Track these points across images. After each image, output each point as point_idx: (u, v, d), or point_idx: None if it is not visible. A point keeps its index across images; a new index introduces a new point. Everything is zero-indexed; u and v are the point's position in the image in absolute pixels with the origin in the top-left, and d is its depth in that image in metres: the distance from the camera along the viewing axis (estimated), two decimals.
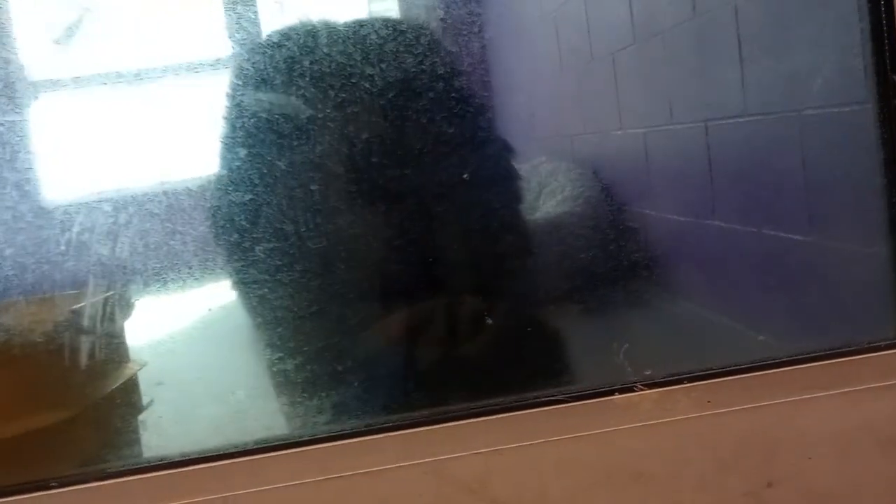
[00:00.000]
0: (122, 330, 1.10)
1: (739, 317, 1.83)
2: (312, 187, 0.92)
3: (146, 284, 1.11)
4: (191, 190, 1.14)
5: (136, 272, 1.10)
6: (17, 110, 1.16)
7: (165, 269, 1.10)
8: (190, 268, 1.10)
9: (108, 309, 1.02)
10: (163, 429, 1.06)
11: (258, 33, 3.80)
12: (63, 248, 1.04)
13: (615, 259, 2.45)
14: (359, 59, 1.01)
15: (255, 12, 3.89)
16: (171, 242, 1.07)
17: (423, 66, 1.04)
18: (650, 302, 2.22)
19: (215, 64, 4.07)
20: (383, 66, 1.01)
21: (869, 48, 1.24)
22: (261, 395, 1.04)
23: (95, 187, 1.26)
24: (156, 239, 1.07)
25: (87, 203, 1.13)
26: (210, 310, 1.32)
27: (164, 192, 1.12)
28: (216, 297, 1.27)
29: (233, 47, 3.66)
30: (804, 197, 1.53)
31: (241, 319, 1.05)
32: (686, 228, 2.10)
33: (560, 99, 3.10)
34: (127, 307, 1.10)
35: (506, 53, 3.69)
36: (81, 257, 1.05)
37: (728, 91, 1.74)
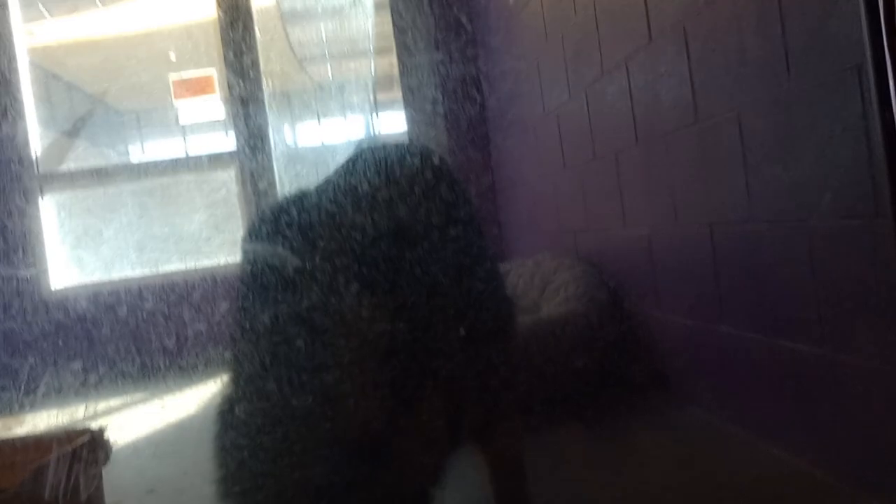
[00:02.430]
0: (95, 478, 1.04)
1: (748, 427, 1.76)
2: (297, 341, 0.87)
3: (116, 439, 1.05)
4: (166, 348, 1.09)
5: (110, 427, 1.05)
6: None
7: (138, 427, 1.04)
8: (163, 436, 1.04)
9: (77, 463, 0.96)
10: None
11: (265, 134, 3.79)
12: (27, 407, 0.99)
13: (620, 364, 2.39)
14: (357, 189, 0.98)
15: (265, 117, 3.89)
16: (144, 403, 1.02)
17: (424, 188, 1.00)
18: (652, 407, 2.14)
19: (217, 159, 4.05)
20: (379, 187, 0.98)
21: (881, 158, 1.21)
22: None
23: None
24: (130, 401, 1.02)
25: (58, 362, 1.08)
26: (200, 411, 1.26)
27: (138, 351, 1.07)
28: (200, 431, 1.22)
29: (238, 150, 3.65)
30: (815, 307, 1.48)
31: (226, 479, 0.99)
32: (692, 333, 2.04)
33: (563, 195, 3.10)
34: (103, 450, 1.04)
35: (509, 151, 3.71)
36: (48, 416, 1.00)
37: (733, 196, 1.71)
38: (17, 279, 3.11)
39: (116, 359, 2.52)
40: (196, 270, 3.60)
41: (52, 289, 3.60)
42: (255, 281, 0.96)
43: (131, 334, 2.86)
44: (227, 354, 0.97)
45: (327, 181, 1.00)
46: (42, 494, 0.88)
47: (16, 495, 0.86)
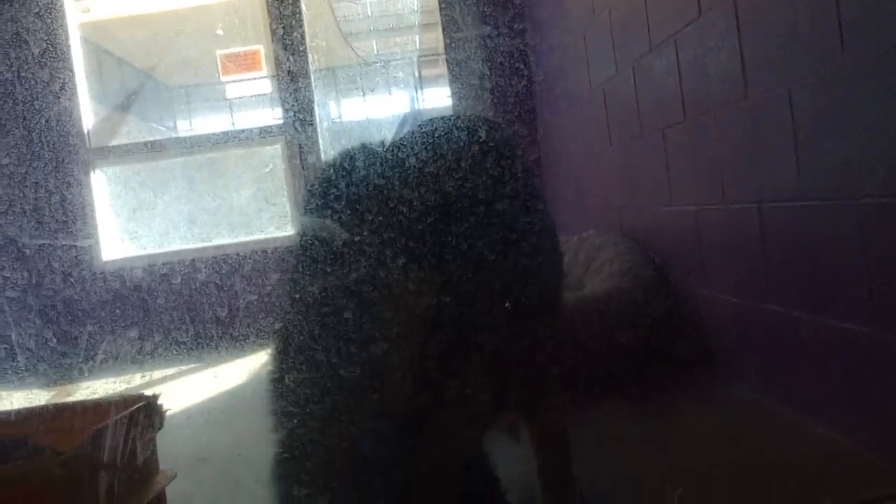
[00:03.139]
0: (150, 442, 1.08)
1: (796, 406, 1.74)
2: (345, 313, 0.89)
3: (170, 407, 1.08)
4: (219, 318, 1.12)
5: (164, 395, 1.08)
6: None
7: (191, 395, 1.08)
8: (217, 396, 1.08)
9: (133, 427, 0.99)
10: None
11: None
12: (87, 374, 1.03)
13: (665, 341, 2.38)
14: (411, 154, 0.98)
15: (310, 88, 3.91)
16: (197, 372, 1.05)
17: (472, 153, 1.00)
18: (698, 383, 2.13)
19: (263, 134, 4.09)
20: (431, 154, 0.99)
21: None
22: None
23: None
24: (184, 369, 1.05)
25: (115, 331, 1.12)
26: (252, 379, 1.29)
27: (192, 321, 1.11)
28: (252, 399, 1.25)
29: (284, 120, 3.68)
30: (864, 285, 1.46)
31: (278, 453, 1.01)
32: (739, 311, 2.02)
33: (609, 172, 3.07)
34: (157, 416, 1.07)
35: (555, 126, 3.69)
36: (106, 383, 1.04)
37: (782, 173, 1.68)
38: (74, 250, 3.20)
39: (171, 328, 2.58)
40: (246, 243, 3.67)
41: (105, 260, 3.70)
42: (306, 253, 0.98)
43: (185, 304, 2.93)
44: (278, 325, 1.00)
45: (377, 153, 1.02)
46: (100, 456, 0.91)
47: (75, 457, 0.90)
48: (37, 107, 3.67)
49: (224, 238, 3.81)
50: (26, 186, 3.27)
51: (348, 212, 0.95)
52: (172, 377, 2.10)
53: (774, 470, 1.47)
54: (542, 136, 3.76)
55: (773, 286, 1.83)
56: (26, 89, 3.67)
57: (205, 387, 2.16)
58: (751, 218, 1.87)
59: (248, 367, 2.13)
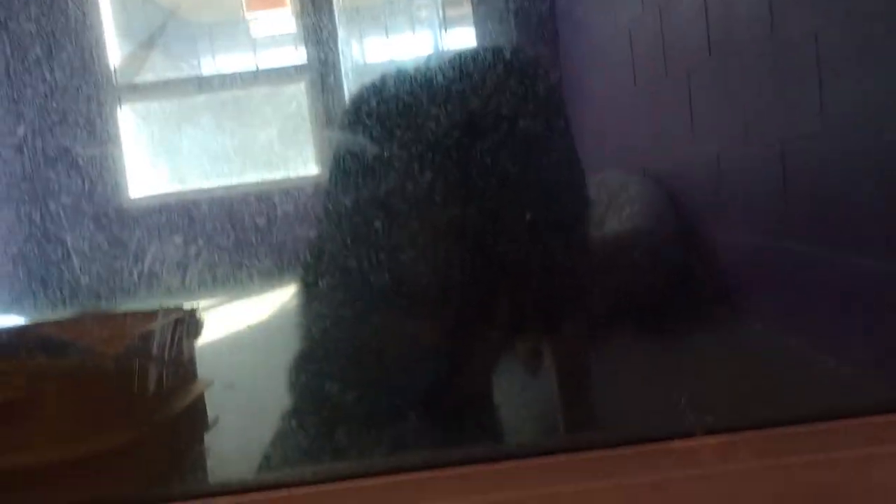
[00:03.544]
0: (191, 349, 1.14)
1: (811, 344, 1.77)
2: (376, 223, 0.93)
3: (213, 308, 1.14)
4: (258, 226, 1.17)
5: (204, 298, 1.14)
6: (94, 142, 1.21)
7: (231, 297, 1.13)
8: (255, 296, 1.13)
9: (178, 330, 1.05)
10: (225, 451, 1.09)
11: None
12: (135, 279, 1.08)
13: (682, 279, 2.41)
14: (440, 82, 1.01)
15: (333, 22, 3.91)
16: (238, 274, 1.11)
17: (498, 86, 1.03)
18: (717, 326, 2.17)
19: (290, 70, 4.09)
20: (457, 91, 1.02)
21: None
22: (318, 423, 1.05)
23: (171, 195, 1.31)
24: (223, 271, 1.10)
25: (158, 236, 1.17)
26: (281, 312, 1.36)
27: (232, 226, 1.16)
28: (281, 320, 1.30)
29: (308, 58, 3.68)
30: (883, 222, 1.48)
31: (306, 350, 1.07)
32: (758, 250, 2.04)
33: (632, 113, 3.07)
34: (196, 327, 1.13)
35: (579, 67, 3.67)
36: (152, 286, 1.10)
37: (806, 112, 1.69)
38: (101, 184, 3.26)
39: (213, 234, 2.64)
40: (270, 182, 3.71)
41: (133, 197, 3.76)
42: (339, 166, 1.03)
43: (226, 213, 2.95)
44: (313, 233, 1.05)
45: (407, 74, 1.05)
46: (150, 353, 0.98)
47: (126, 352, 0.96)
48: (62, 42, 3.70)
49: (248, 176, 3.85)
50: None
51: (379, 128, 1.00)
52: (211, 305, 2.15)
53: (789, 400, 1.50)
54: (566, 76, 3.74)
55: (793, 225, 1.85)
56: (53, 23, 3.70)
57: (234, 316, 2.20)
58: (773, 157, 1.88)
59: (276, 300, 2.18)
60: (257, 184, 3.74)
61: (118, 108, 3.92)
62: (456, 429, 0.96)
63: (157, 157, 3.98)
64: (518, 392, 1.33)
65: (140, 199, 3.76)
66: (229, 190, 3.40)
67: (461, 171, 0.93)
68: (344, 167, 1.00)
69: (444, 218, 0.92)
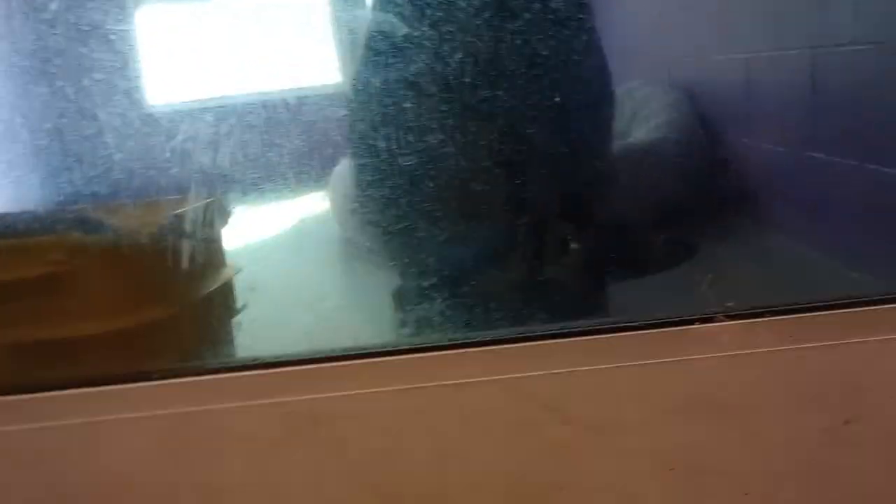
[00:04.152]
0: (219, 235, 1.17)
1: (833, 252, 1.77)
2: (405, 104, 0.94)
3: (244, 193, 1.16)
4: (288, 103, 1.18)
5: (235, 181, 1.16)
6: (127, 19, 1.21)
7: (262, 179, 1.15)
8: (285, 179, 1.15)
9: (208, 215, 1.08)
10: (255, 331, 1.12)
11: None
12: (167, 154, 1.10)
13: (707, 187, 2.40)
14: None
15: None
16: (269, 154, 1.12)
17: None
18: (740, 232, 2.17)
19: None
20: None
21: None
22: (348, 306, 1.09)
23: (198, 96, 1.31)
24: (254, 150, 1.12)
25: (189, 113, 1.18)
26: (302, 220, 1.37)
27: (263, 105, 1.16)
28: (309, 208, 1.32)
29: None
30: None
31: (333, 232, 1.09)
32: (783, 160, 2.02)
33: (658, 20, 2.99)
34: (225, 214, 1.16)
35: None
36: (184, 165, 1.11)
37: (838, 17, 1.65)
38: (122, 90, 3.25)
39: (244, 112, 2.61)
40: (294, 90, 3.67)
41: (153, 103, 3.75)
42: (370, 46, 1.03)
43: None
44: (342, 112, 1.06)
45: None
46: (183, 233, 1.01)
47: (161, 228, 1.00)
48: None
49: (272, 85, 3.81)
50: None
51: (410, 7, 0.99)
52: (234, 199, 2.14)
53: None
54: None
55: (821, 134, 1.83)
56: None
57: (257, 221, 2.20)
58: (802, 63, 1.85)
59: (299, 205, 2.17)
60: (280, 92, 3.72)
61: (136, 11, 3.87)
62: (483, 311, 0.99)
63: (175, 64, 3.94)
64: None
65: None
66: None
67: (491, 51, 0.93)
68: (375, 46, 1.01)
69: (472, 98, 0.93)
